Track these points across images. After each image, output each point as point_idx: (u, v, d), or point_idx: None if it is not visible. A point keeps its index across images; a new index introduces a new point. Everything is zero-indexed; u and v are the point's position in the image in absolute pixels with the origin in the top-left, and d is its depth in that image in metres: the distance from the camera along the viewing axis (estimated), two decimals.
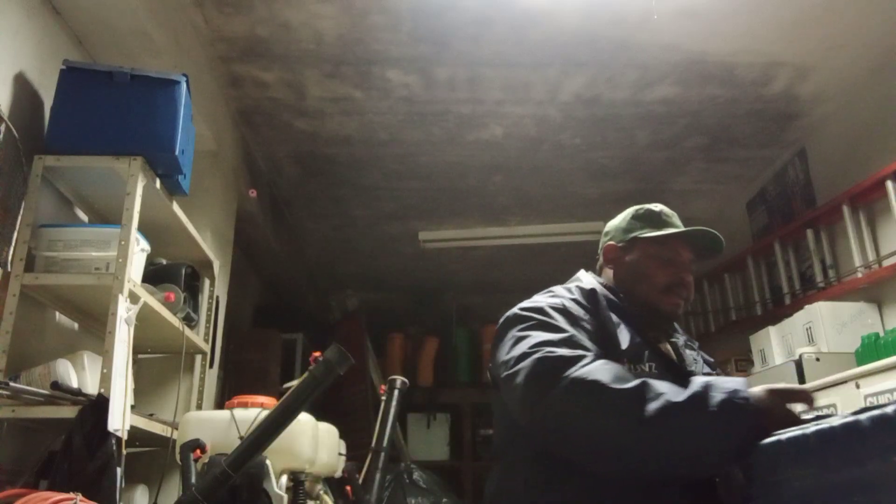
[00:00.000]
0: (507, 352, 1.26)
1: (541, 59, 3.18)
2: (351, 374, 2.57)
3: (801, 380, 3.03)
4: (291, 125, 3.73)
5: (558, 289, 1.44)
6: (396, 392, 3.21)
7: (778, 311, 3.99)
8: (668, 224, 1.48)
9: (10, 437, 1.94)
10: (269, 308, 5.33)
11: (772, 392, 1.10)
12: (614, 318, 1.37)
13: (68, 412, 1.83)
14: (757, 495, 1.02)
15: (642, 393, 1.09)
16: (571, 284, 1.48)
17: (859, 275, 3.34)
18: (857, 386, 2.59)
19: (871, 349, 2.88)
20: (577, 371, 1.14)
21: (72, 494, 1.52)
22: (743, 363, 4.09)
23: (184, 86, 2.24)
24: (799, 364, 3.08)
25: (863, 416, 0.98)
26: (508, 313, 1.36)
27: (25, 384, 1.88)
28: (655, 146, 4.00)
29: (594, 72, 3.30)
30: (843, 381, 2.67)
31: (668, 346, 1.47)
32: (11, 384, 1.79)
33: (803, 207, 3.93)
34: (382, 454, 3.04)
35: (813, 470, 0.97)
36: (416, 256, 5.55)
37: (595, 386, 1.11)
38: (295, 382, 1.80)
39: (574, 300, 1.37)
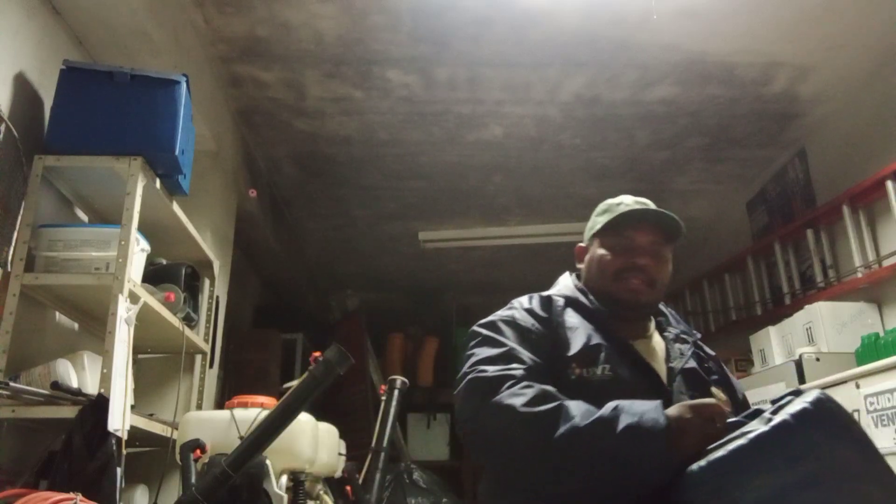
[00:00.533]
0: (461, 370, 1.33)
1: (541, 59, 3.18)
2: (351, 374, 2.57)
3: (802, 380, 3.03)
4: (291, 125, 3.73)
5: (517, 300, 1.46)
6: (396, 392, 3.22)
7: (778, 311, 3.99)
8: (623, 214, 1.45)
9: (10, 437, 1.94)
10: (269, 308, 5.33)
11: (688, 408, 1.10)
12: (573, 321, 1.38)
13: (68, 412, 1.83)
14: None
15: (552, 418, 1.11)
16: (548, 292, 1.50)
17: (859, 275, 3.34)
18: (857, 386, 2.59)
19: (871, 349, 2.88)
20: (498, 395, 1.18)
21: (72, 494, 1.52)
22: (743, 363, 4.09)
23: (184, 86, 2.24)
24: (799, 364, 3.08)
25: (787, 416, 0.98)
26: (471, 328, 1.41)
27: (25, 384, 1.88)
28: (655, 146, 4.00)
29: (594, 72, 3.30)
30: (843, 381, 2.67)
31: (653, 343, 1.44)
32: (11, 384, 1.79)
33: (803, 207, 3.93)
34: (382, 454, 3.04)
35: (765, 477, 0.97)
36: (416, 256, 5.55)
37: (508, 411, 1.15)
38: (295, 382, 1.81)
39: (527, 310, 1.40)
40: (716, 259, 4.91)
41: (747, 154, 4.13)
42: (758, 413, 1.09)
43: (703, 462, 1.01)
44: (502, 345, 1.30)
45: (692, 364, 1.40)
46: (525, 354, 1.29)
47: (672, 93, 3.46)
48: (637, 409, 1.09)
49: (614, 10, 2.86)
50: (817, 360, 3.06)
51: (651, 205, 1.48)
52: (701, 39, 3.05)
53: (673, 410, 1.10)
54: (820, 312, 3.28)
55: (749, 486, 0.96)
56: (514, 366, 1.24)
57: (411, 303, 6.51)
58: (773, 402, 1.09)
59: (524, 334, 1.34)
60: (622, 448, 1.06)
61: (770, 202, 4.33)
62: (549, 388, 1.20)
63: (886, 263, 3.19)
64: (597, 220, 1.50)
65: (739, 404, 1.43)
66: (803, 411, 0.99)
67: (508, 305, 1.45)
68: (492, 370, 1.24)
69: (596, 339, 1.34)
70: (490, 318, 1.40)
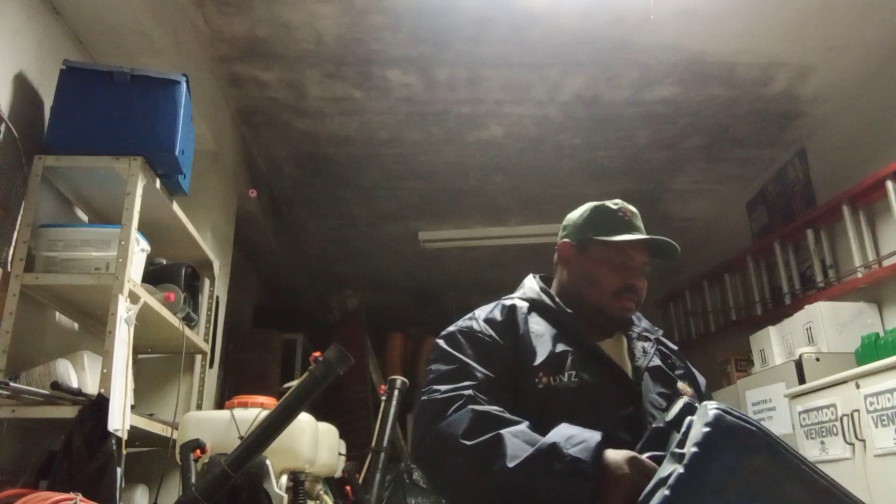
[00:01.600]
0: None
1: (541, 59, 3.18)
2: (351, 374, 2.57)
3: (801, 380, 3.03)
4: (291, 125, 3.73)
5: (480, 308, 1.45)
6: (396, 392, 3.22)
7: (778, 311, 3.99)
8: (624, 226, 1.44)
9: (10, 437, 1.94)
10: (269, 308, 5.33)
11: (627, 462, 1.04)
12: (538, 328, 1.37)
13: (68, 412, 1.83)
14: None
15: (486, 452, 1.11)
16: (514, 296, 1.50)
17: (859, 275, 3.34)
18: (857, 386, 2.59)
19: (871, 349, 2.88)
20: (441, 422, 1.19)
21: (72, 494, 1.52)
22: (743, 363, 4.09)
23: (184, 86, 2.24)
24: (799, 364, 3.08)
25: (695, 448, 0.94)
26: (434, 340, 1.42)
27: (25, 384, 1.88)
28: (655, 146, 4.00)
29: (594, 72, 3.30)
30: (843, 381, 2.67)
31: (616, 342, 1.44)
32: (11, 384, 1.79)
33: (803, 207, 3.93)
34: (382, 454, 3.05)
35: None
36: (416, 256, 5.55)
37: (449, 440, 1.16)
38: (295, 382, 1.81)
39: (486, 320, 1.39)
40: (716, 259, 4.91)
41: (747, 154, 4.13)
42: (660, 433, 1.07)
43: None
44: (455, 360, 1.30)
45: (657, 362, 1.40)
46: (478, 369, 1.27)
47: (672, 93, 3.46)
48: (570, 452, 1.05)
49: (614, 10, 2.86)
50: (817, 360, 3.06)
51: (640, 219, 1.50)
52: (701, 39, 3.05)
53: (612, 458, 1.05)
54: (820, 312, 3.28)
55: None
56: (465, 383, 1.23)
57: (411, 303, 6.51)
58: (669, 423, 1.06)
59: (480, 347, 1.33)
60: (547, 492, 1.05)
61: (770, 202, 4.33)
62: (492, 409, 1.18)
63: (886, 263, 3.19)
64: (593, 224, 1.47)
65: (702, 397, 1.44)
66: (707, 436, 0.95)
67: (469, 315, 1.43)
68: (443, 390, 1.23)
69: (561, 346, 1.33)
70: (450, 329, 1.40)
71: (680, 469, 0.94)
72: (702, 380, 1.49)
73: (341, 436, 2.95)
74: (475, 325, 1.37)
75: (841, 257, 3.59)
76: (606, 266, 1.42)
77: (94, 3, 2.28)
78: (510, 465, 1.08)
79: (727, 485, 0.93)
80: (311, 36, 3.00)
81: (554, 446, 1.07)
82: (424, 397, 1.26)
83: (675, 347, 1.52)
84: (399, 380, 3.28)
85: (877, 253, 3.29)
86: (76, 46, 2.43)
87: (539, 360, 1.30)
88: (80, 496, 1.52)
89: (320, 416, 2.47)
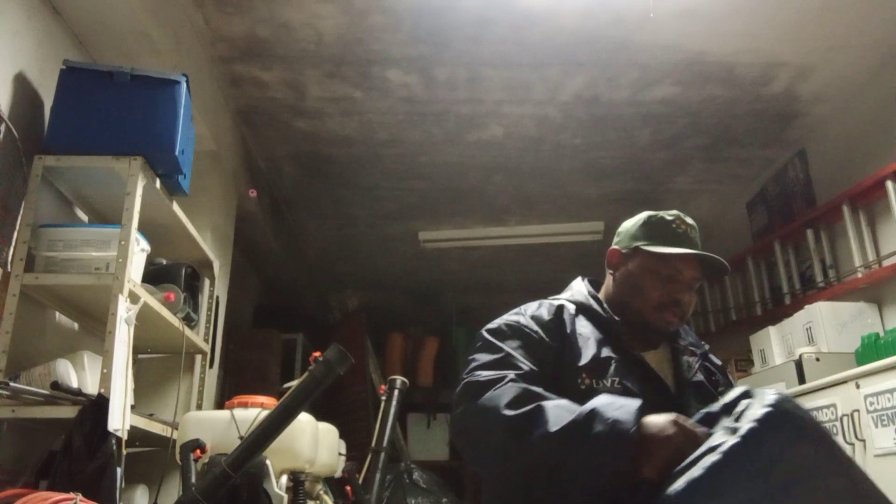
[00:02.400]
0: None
1: (541, 59, 3.18)
2: (351, 374, 2.57)
3: (801, 380, 3.03)
4: (291, 125, 3.73)
5: (526, 305, 1.46)
6: (396, 392, 3.21)
7: (778, 311, 3.99)
8: (676, 239, 1.42)
9: (10, 437, 1.94)
10: (269, 308, 5.33)
11: (673, 423, 1.05)
12: (584, 330, 1.38)
13: (68, 412, 1.83)
14: None
15: (529, 419, 1.12)
16: (561, 297, 1.49)
17: (859, 275, 3.34)
18: (857, 386, 2.59)
19: (871, 349, 2.88)
20: (485, 396, 1.19)
21: (72, 494, 1.52)
22: (743, 363, 4.09)
23: (184, 86, 2.24)
24: (799, 364, 3.08)
25: (755, 424, 0.96)
26: (478, 332, 1.42)
27: (25, 384, 1.88)
28: (655, 146, 4.00)
29: (594, 72, 3.30)
30: (843, 381, 2.67)
31: (661, 354, 1.43)
32: (11, 384, 1.79)
33: (803, 207, 3.93)
34: (382, 454, 3.05)
35: (741, 491, 0.95)
36: (416, 256, 5.55)
37: (491, 411, 1.16)
38: (295, 382, 1.81)
39: (533, 317, 1.40)
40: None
41: (747, 154, 4.13)
42: (710, 417, 1.08)
43: (680, 484, 0.97)
44: (500, 350, 1.31)
45: (700, 377, 1.40)
46: (523, 361, 1.29)
47: (672, 93, 3.46)
48: (613, 415, 1.06)
49: (614, 10, 2.86)
50: (817, 360, 3.06)
51: (698, 232, 1.48)
52: (701, 39, 3.05)
53: (655, 420, 1.06)
54: (820, 312, 3.28)
55: (746, 497, 0.95)
56: (508, 372, 1.24)
57: (411, 303, 6.51)
58: (726, 406, 1.07)
59: (525, 341, 1.33)
60: (594, 454, 1.05)
61: (770, 202, 4.33)
62: (534, 388, 1.19)
63: (886, 263, 3.19)
64: (645, 233, 1.45)
65: None
66: (768, 415, 0.97)
67: (516, 311, 1.43)
68: (484, 375, 1.24)
69: (606, 352, 1.33)
70: (496, 322, 1.40)
71: (736, 439, 0.96)
72: None
73: (341, 436, 2.95)
74: (522, 320, 1.38)
75: (841, 257, 3.59)
76: (652, 277, 1.41)
77: (94, 3, 2.28)
78: (552, 430, 1.08)
79: (773, 467, 0.95)
80: (311, 36, 3.00)
81: (594, 411, 1.08)
82: (466, 380, 1.26)
83: (720, 363, 1.51)
84: (399, 380, 3.28)
85: (877, 253, 3.29)
86: (76, 46, 2.43)
87: (583, 361, 1.31)
88: (80, 496, 1.52)
89: (320, 416, 2.47)
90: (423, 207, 4.77)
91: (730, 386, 1.45)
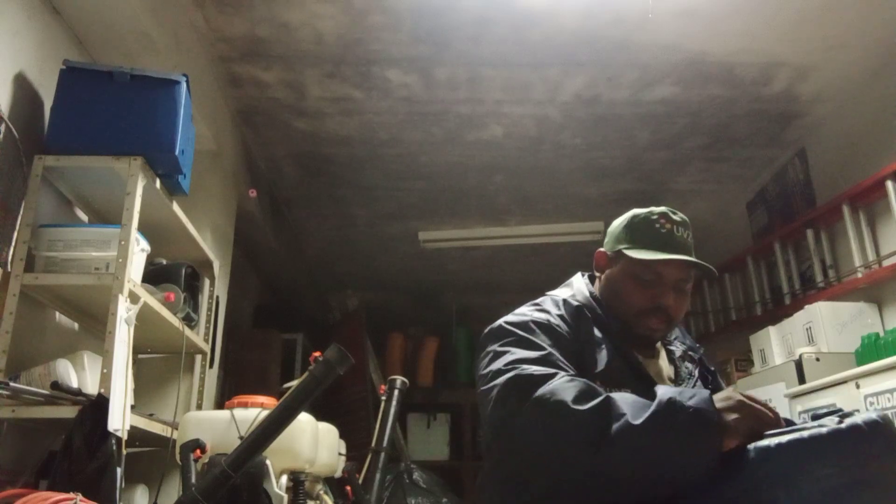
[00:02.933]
0: (486, 365, 1.24)
1: (541, 59, 3.18)
2: (351, 374, 2.57)
3: (801, 380, 3.03)
4: (291, 125, 3.73)
5: (546, 301, 1.40)
6: (396, 392, 3.21)
7: (778, 311, 3.99)
8: (660, 240, 1.35)
9: (10, 437, 1.94)
10: (269, 308, 5.33)
11: (740, 404, 1.06)
12: (597, 335, 1.33)
13: (68, 412, 1.83)
14: (773, 497, 1.00)
15: (603, 413, 1.06)
16: (562, 294, 1.43)
17: (859, 275, 3.34)
18: (857, 386, 2.59)
19: (871, 349, 2.88)
20: (542, 390, 1.12)
21: (72, 494, 1.52)
22: (743, 363, 4.09)
23: (184, 86, 2.24)
24: (799, 364, 3.08)
25: (859, 420, 1.01)
26: (493, 325, 1.33)
27: (25, 384, 1.88)
28: (655, 146, 4.00)
29: (594, 72, 3.30)
30: (843, 381, 2.67)
31: (660, 362, 1.41)
32: (11, 384, 1.79)
33: (803, 207, 3.93)
34: (382, 454, 3.04)
35: (832, 469, 0.99)
36: (416, 256, 5.55)
37: (557, 407, 1.09)
38: (295, 382, 1.81)
39: (560, 315, 1.34)
40: (716, 259, 4.91)
41: (747, 154, 4.13)
42: (791, 424, 1.10)
43: (782, 440, 1.02)
44: (541, 348, 1.24)
45: (698, 384, 1.38)
46: (563, 361, 1.23)
47: (672, 93, 3.46)
48: (691, 403, 1.04)
49: (614, 10, 2.86)
50: (817, 360, 3.06)
51: (688, 229, 1.40)
52: (701, 39, 3.05)
53: (724, 405, 1.06)
54: (820, 312, 3.28)
55: (815, 475, 0.99)
56: (554, 370, 1.17)
57: (411, 303, 6.51)
58: (816, 416, 1.09)
59: (559, 340, 1.28)
60: (682, 443, 1.03)
61: (770, 202, 4.33)
62: (590, 382, 1.15)
63: (886, 263, 3.19)
64: (628, 235, 1.39)
65: None
66: (874, 422, 1.01)
67: (535, 306, 1.37)
68: (536, 370, 1.16)
69: (617, 359, 1.29)
70: (517, 317, 1.33)
71: (841, 426, 1.00)
72: None
73: (341, 436, 2.94)
74: (552, 320, 1.32)
75: (841, 257, 3.59)
76: (634, 282, 1.35)
77: (94, 3, 2.28)
78: (636, 422, 1.03)
79: (865, 465, 0.99)
80: (311, 36, 3.00)
81: (672, 401, 1.05)
82: (514, 373, 1.17)
83: (713, 368, 1.47)
84: (399, 380, 3.28)
85: (877, 253, 3.29)
86: (76, 46, 2.43)
87: (599, 367, 1.27)
88: (80, 496, 1.52)
89: (320, 416, 2.47)
90: (423, 207, 4.77)
91: (720, 389, 1.41)
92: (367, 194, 4.57)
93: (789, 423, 1.08)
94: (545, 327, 1.30)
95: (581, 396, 1.09)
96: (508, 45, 3.08)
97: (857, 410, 1.10)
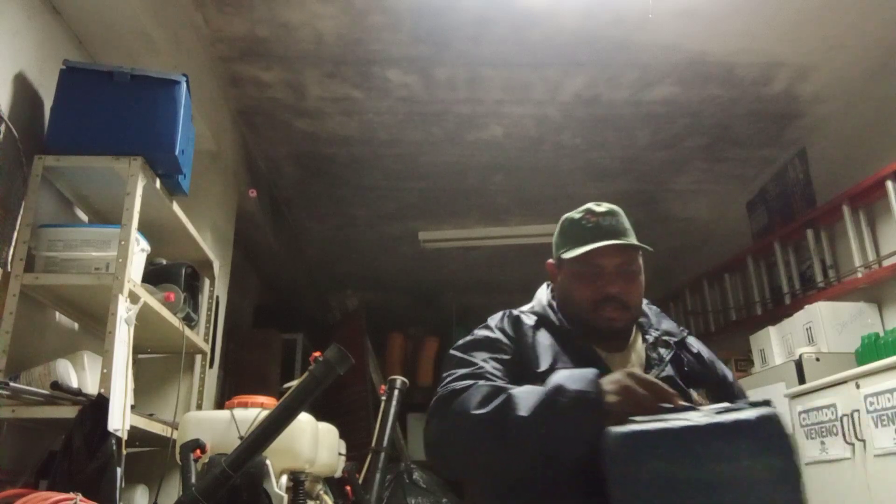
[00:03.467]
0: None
1: (541, 59, 3.18)
2: (351, 374, 2.57)
3: (801, 380, 3.03)
4: (291, 125, 3.73)
5: (492, 318, 1.47)
6: (396, 392, 3.21)
7: (778, 311, 3.99)
8: (588, 235, 1.39)
9: (10, 437, 1.94)
10: (269, 308, 5.33)
11: (628, 375, 1.12)
12: (544, 340, 1.38)
13: (68, 412, 1.83)
14: (614, 482, 1.04)
15: (501, 411, 1.14)
16: (524, 307, 1.50)
17: (859, 275, 3.34)
18: (857, 386, 2.59)
19: (871, 349, 2.88)
20: (454, 403, 1.21)
21: (72, 494, 1.52)
22: (743, 363, 4.09)
23: (184, 86, 2.24)
24: (799, 364, 3.08)
25: (727, 418, 1.03)
26: (449, 351, 1.43)
27: (25, 384, 1.88)
28: (655, 146, 4.00)
29: (594, 72, 3.30)
30: (843, 381, 2.67)
31: (632, 354, 1.40)
32: (11, 384, 1.79)
33: (803, 207, 3.93)
34: (382, 454, 3.04)
35: (665, 464, 1.01)
36: (416, 256, 5.55)
37: (461, 415, 1.18)
38: (295, 382, 1.81)
39: (500, 328, 1.42)
40: (716, 259, 4.91)
41: (747, 154, 4.13)
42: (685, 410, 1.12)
43: (624, 429, 1.04)
44: (472, 363, 1.32)
45: (669, 372, 1.36)
46: (492, 373, 1.30)
47: (672, 93, 3.46)
48: (574, 387, 1.11)
49: (614, 10, 2.86)
50: (817, 360, 3.06)
51: (616, 216, 1.42)
52: (701, 39, 3.05)
53: (610, 378, 1.13)
54: (820, 312, 3.28)
55: (646, 467, 1.01)
56: (475, 382, 1.25)
57: (411, 303, 6.51)
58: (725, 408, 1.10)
59: (495, 353, 1.35)
60: (563, 428, 1.10)
61: (770, 202, 4.33)
62: (499, 383, 1.23)
63: (886, 263, 3.19)
64: (561, 240, 1.45)
65: (734, 397, 1.37)
66: (744, 421, 1.03)
67: (483, 324, 1.46)
68: (458, 385, 1.25)
69: (563, 360, 1.33)
70: (466, 338, 1.42)
71: (726, 419, 1.03)
72: (732, 381, 1.44)
73: (341, 436, 2.94)
74: (490, 334, 1.40)
75: (841, 257, 3.59)
76: (578, 280, 1.39)
77: (94, 3, 2.28)
78: (523, 413, 1.11)
79: (722, 462, 1.01)
80: (311, 36, 3.00)
81: (558, 387, 1.13)
82: (438, 394, 1.27)
83: (701, 350, 1.45)
84: (399, 380, 3.28)
85: (877, 253, 3.29)
86: (76, 46, 2.43)
87: (542, 368, 1.31)
88: (80, 496, 1.52)
89: (320, 416, 2.47)
90: (423, 207, 4.77)
91: (711, 374, 1.41)
92: (367, 194, 4.57)
93: (690, 407, 1.09)
94: (483, 342, 1.38)
95: (484, 400, 1.17)
96: (508, 45, 3.08)
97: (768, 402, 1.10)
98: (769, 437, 1.02)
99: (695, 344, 1.47)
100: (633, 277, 1.40)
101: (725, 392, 1.38)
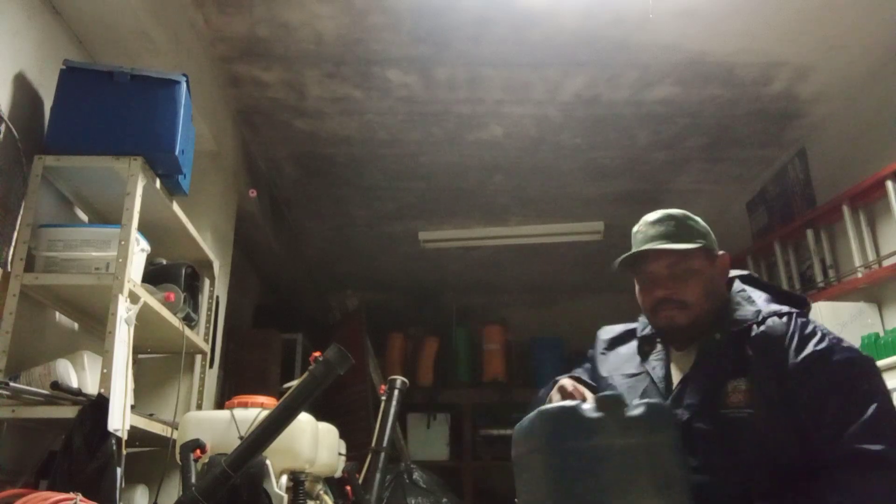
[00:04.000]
0: None
1: (541, 59, 3.18)
2: (351, 374, 2.57)
3: None
4: (291, 125, 3.73)
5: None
6: (396, 392, 3.21)
7: None
8: (636, 245, 1.49)
9: (10, 437, 1.94)
10: (269, 308, 5.32)
11: (557, 389, 1.45)
12: (619, 349, 1.60)
13: (68, 412, 1.83)
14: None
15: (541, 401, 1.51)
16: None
17: (859, 275, 3.34)
18: None
19: (871, 349, 2.88)
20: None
21: (72, 494, 1.52)
22: None
23: (184, 86, 2.24)
24: None
25: (532, 415, 1.35)
26: None
27: (25, 384, 1.88)
28: (655, 146, 4.00)
29: (594, 72, 3.30)
30: None
31: (690, 354, 1.44)
32: (11, 384, 1.79)
33: (803, 207, 3.93)
34: (382, 454, 3.04)
35: (519, 450, 1.38)
36: (416, 256, 5.55)
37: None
38: (295, 382, 1.81)
39: (596, 342, 1.68)
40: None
41: (747, 154, 4.12)
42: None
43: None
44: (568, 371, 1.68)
45: (707, 370, 1.39)
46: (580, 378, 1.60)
47: (672, 93, 3.46)
48: (540, 395, 1.54)
49: (614, 10, 2.86)
50: None
51: (665, 222, 1.44)
52: (701, 39, 3.05)
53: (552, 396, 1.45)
54: (820, 312, 3.27)
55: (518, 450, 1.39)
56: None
57: (411, 303, 6.51)
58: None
59: (589, 363, 1.68)
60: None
61: (770, 202, 4.33)
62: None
63: (886, 263, 3.19)
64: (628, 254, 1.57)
65: (787, 389, 1.31)
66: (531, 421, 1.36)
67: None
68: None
69: (628, 367, 1.56)
70: None
71: (531, 416, 1.36)
72: (800, 368, 1.34)
73: (341, 436, 2.94)
74: (590, 351, 1.71)
75: (841, 257, 3.59)
76: (638, 289, 1.51)
77: (94, 3, 2.28)
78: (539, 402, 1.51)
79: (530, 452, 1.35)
80: (311, 36, 3.00)
81: (538, 396, 1.57)
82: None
83: (775, 334, 1.34)
84: (399, 380, 3.27)
85: (877, 253, 3.29)
86: (76, 46, 2.43)
87: (604, 374, 1.58)
88: (80, 496, 1.52)
89: (320, 416, 2.47)
90: (423, 207, 4.77)
91: (765, 366, 1.32)
92: (367, 194, 4.57)
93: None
94: (588, 356, 1.68)
95: (533, 405, 1.48)
96: (508, 45, 3.08)
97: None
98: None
99: (777, 328, 1.36)
100: (685, 277, 1.41)
101: (781, 379, 1.30)
